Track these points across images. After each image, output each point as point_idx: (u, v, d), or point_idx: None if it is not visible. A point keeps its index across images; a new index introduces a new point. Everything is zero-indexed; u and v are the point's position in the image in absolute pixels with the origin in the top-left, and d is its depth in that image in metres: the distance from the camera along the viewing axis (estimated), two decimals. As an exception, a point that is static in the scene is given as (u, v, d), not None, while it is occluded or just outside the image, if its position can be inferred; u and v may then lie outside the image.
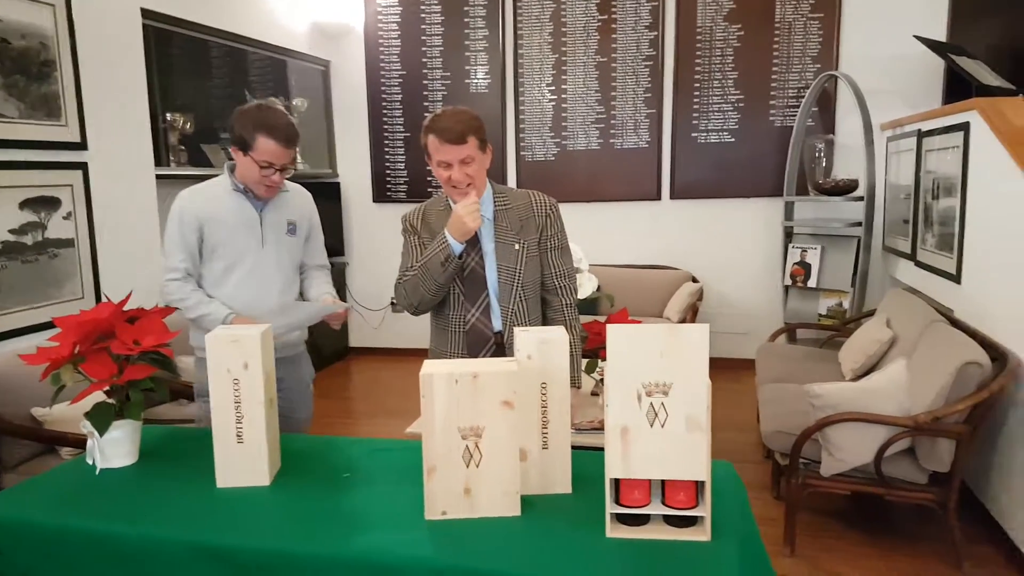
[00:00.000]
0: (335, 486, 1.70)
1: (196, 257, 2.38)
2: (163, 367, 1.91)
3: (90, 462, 1.83)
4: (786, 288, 5.18)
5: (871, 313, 4.27)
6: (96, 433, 1.79)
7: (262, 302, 2.39)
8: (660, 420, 1.36)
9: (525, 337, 1.58)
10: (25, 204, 3.29)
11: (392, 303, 6.02)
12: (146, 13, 4.05)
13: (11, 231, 3.22)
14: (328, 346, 5.85)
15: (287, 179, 2.48)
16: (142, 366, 1.86)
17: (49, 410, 2.90)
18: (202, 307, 2.35)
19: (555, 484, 1.59)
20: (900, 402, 2.69)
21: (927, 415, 2.59)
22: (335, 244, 5.97)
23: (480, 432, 1.46)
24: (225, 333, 1.69)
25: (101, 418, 1.80)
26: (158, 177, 4.10)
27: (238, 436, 1.69)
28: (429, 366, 1.48)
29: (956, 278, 3.45)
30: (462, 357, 2.23)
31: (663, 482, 1.41)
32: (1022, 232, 2.86)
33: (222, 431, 1.69)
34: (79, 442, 2.67)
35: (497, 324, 2.23)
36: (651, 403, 1.36)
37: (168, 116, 4.40)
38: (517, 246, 2.21)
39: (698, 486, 1.40)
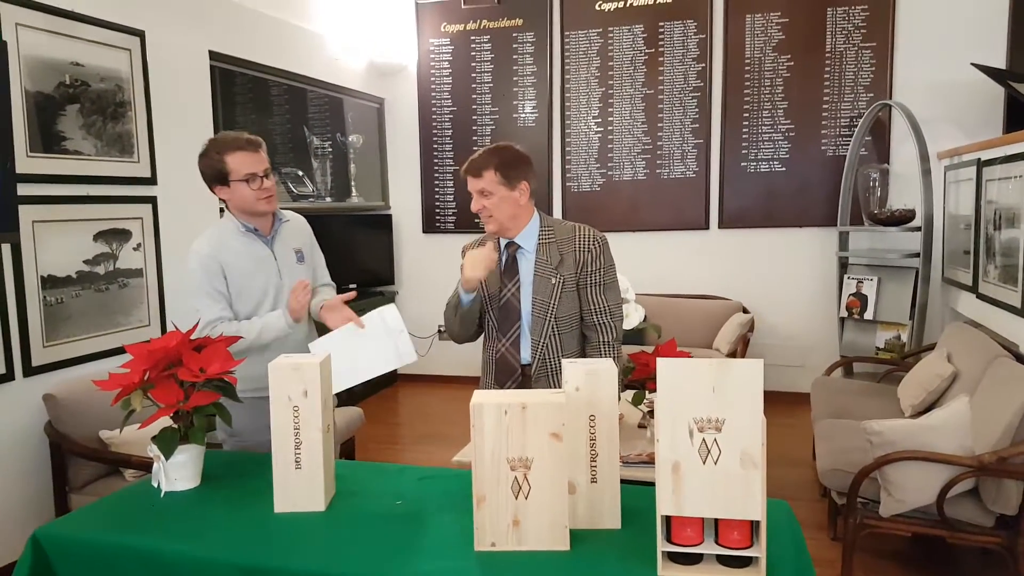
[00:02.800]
0: (387, 513, 1.73)
1: (230, 300, 2.39)
2: (226, 394, 1.98)
3: (155, 484, 1.89)
4: (842, 320, 5.08)
5: (931, 347, 4.16)
6: (162, 456, 1.86)
7: (292, 335, 2.42)
8: (713, 457, 1.36)
9: (572, 368, 1.59)
10: (99, 236, 3.45)
11: (440, 330, 6.09)
12: (213, 55, 4.23)
13: (85, 261, 3.38)
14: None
15: (286, 210, 2.57)
16: (206, 393, 1.92)
17: (116, 433, 3.01)
18: (255, 323, 2.36)
19: (604, 519, 1.59)
20: (963, 441, 2.60)
21: (992, 455, 2.50)
22: (386, 273, 6.08)
23: (528, 464, 1.47)
24: (287, 361, 1.74)
25: (167, 442, 1.87)
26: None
27: (296, 462, 1.74)
28: (480, 395, 1.50)
29: (1021, 311, 3.34)
30: (491, 387, 2.27)
31: (716, 520, 1.40)
32: (1089, 264, 2.77)
33: (281, 457, 1.73)
34: (142, 464, 2.76)
35: (526, 356, 2.26)
36: (703, 439, 1.36)
37: (230, 152, 4.56)
38: (554, 280, 2.23)
39: (753, 525, 1.38)
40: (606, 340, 2.29)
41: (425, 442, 4.79)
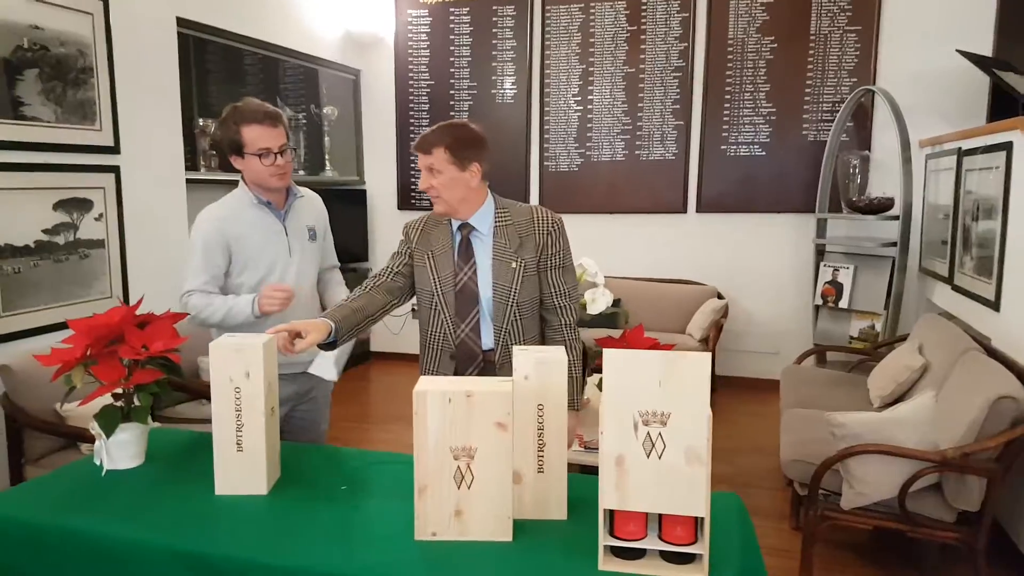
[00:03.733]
0: (331, 499, 1.69)
1: (220, 280, 2.35)
2: (170, 372, 1.92)
3: (97, 462, 1.85)
4: (816, 308, 5.06)
5: (904, 337, 4.15)
6: (103, 435, 1.81)
7: (293, 310, 2.36)
8: (657, 451, 1.32)
9: (523, 357, 1.55)
10: (58, 205, 3.36)
11: (413, 309, 6.02)
12: (181, 21, 4.12)
13: (44, 231, 3.29)
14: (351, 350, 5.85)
15: (302, 187, 2.50)
16: (149, 371, 1.87)
17: (73, 406, 2.94)
18: (226, 303, 2.30)
19: (549, 509, 1.55)
20: (926, 435, 2.58)
21: (956, 450, 2.47)
22: (360, 250, 6.01)
23: (472, 453, 1.43)
24: (228, 342, 1.69)
25: (108, 420, 1.82)
26: (189, 181, 4.16)
27: (238, 444, 1.69)
28: (424, 383, 1.46)
29: (995, 305, 3.32)
30: (445, 374, 2.20)
31: (660, 515, 1.36)
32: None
33: (222, 439, 1.69)
34: (91, 436, 2.70)
35: (487, 342, 2.19)
36: (648, 432, 1.32)
37: (200, 122, 4.46)
38: (514, 264, 2.17)
39: (697, 521, 1.35)
40: (567, 323, 2.24)
41: (394, 422, 4.75)
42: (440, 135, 2.13)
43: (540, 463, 1.55)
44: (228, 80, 4.82)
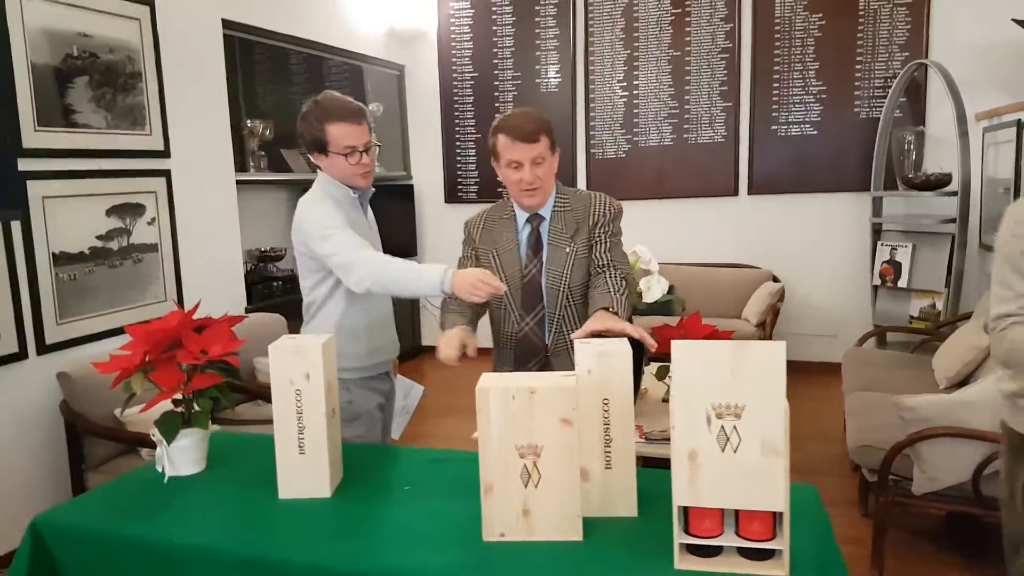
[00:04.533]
0: (395, 500, 1.67)
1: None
2: (229, 375, 1.93)
3: (159, 469, 1.86)
4: (875, 288, 4.92)
5: (967, 316, 4.00)
6: (164, 441, 1.82)
7: (388, 302, 2.39)
8: (732, 445, 1.27)
9: (584, 350, 1.50)
10: (112, 211, 3.42)
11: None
12: (227, 23, 4.16)
13: (98, 237, 3.35)
14: (401, 344, 5.88)
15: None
16: (208, 375, 1.87)
17: (134, 411, 2.99)
18: (410, 268, 2.05)
19: (618, 507, 1.51)
20: (999, 416, 2.47)
21: (1031, 431, 2.37)
22: (408, 243, 6.02)
23: (538, 451, 1.40)
24: (288, 343, 1.68)
25: (169, 427, 1.82)
26: (238, 183, 4.21)
27: (300, 447, 1.68)
28: (487, 379, 1.43)
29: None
30: (509, 370, 2.16)
31: (737, 511, 1.32)
32: None
33: (284, 442, 1.68)
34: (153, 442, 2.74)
35: (547, 335, 2.15)
36: (722, 426, 1.27)
37: (248, 123, 4.50)
38: (568, 248, 2.12)
39: (776, 515, 1.30)
40: (615, 273, 2.09)
41: (449, 415, 4.75)
42: (540, 121, 2.05)
43: (607, 459, 1.51)
44: (274, 80, 4.86)
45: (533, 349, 2.14)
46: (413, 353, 6.16)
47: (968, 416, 2.49)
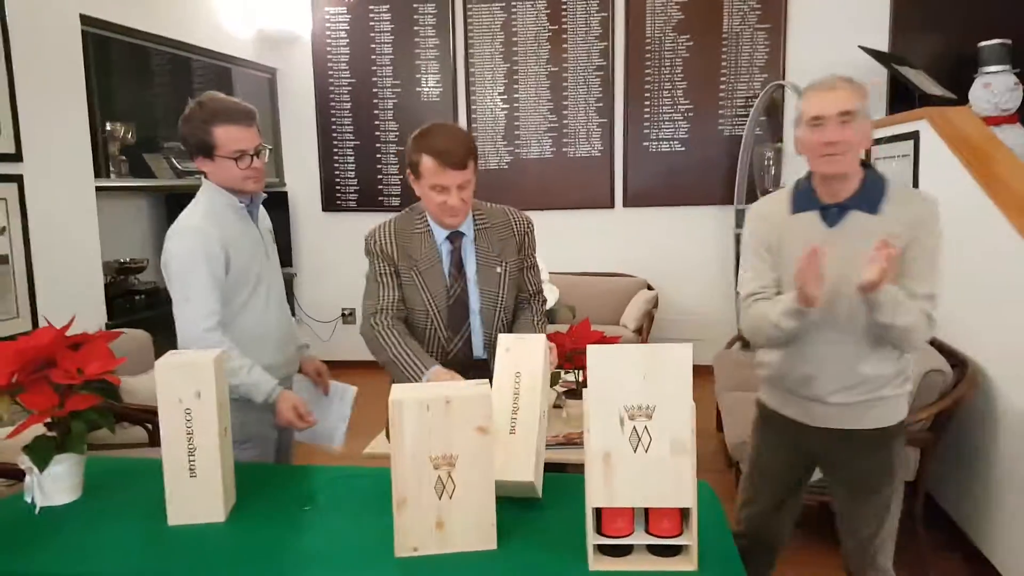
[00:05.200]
0: (295, 520, 1.60)
1: (224, 295, 2.07)
2: (108, 396, 1.79)
3: (29, 500, 1.69)
4: (739, 295, 5.20)
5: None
6: (35, 469, 1.66)
7: (284, 317, 2.24)
8: (644, 444, 1.31)
9: (506, 336, 1.77)
10: (-47, 219, 3.10)
11: (344, 313, 5.90)
12: (85, 19, 3.87)
13: (-62, 248, 3.02)
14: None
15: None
16: (85, 396, 1.73)
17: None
18: (252, 375, 2.01)
19: (518, 470, 1.55)
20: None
21: (892, 424, 2.59)
22: (282, 255, 5.75)
23: (453, 461, 1.38)
24: (176, 360, 1.58)
25: (41, 453, 1.67)
26: (98, 189, 3.92)
27: (191, 470, 1.58)
28: (399, 391, 1.40)
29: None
30: None
31: (646, 510, 1.36)
32: (975, 238, 2.90)
33: (173, 465, 1.58)
34: (16, 472, 2.49)
35: (479, 351, 2.12)
36: (634, 427, 1.31)
37: (109, 126, 4.22)
38: (499, 268, 2.10)
39: (683, 512, 1.35)
40: (538, 319, 2.20)
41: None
42: (468, 144, 1.97)
43: (513, 424, 1.61)
44: (137, 81, 4.59)
45: (466, 367, 2.04)
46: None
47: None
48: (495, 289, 2.10)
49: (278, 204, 5.79)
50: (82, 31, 3.84)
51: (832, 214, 1.90)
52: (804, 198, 1.96)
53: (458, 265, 2.08)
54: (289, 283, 5.88)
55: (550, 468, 2.08)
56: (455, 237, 2.08)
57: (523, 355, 1.71)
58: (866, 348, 1.89)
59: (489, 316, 2.10)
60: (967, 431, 2.91)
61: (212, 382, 1.57)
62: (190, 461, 1.58)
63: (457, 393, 1.39)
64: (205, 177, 2.13)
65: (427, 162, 1.95)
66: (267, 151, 2.15)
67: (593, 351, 1.30)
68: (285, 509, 1.66)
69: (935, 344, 2.92)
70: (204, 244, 2.00)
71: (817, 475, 2.23)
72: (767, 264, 1.99)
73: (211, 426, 1.58)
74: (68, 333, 1.78)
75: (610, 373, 1.30)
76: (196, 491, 1.59)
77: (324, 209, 5.90)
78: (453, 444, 1.38)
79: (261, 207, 2.28)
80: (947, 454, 3.02)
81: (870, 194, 1.89)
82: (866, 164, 1.94)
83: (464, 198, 1.99)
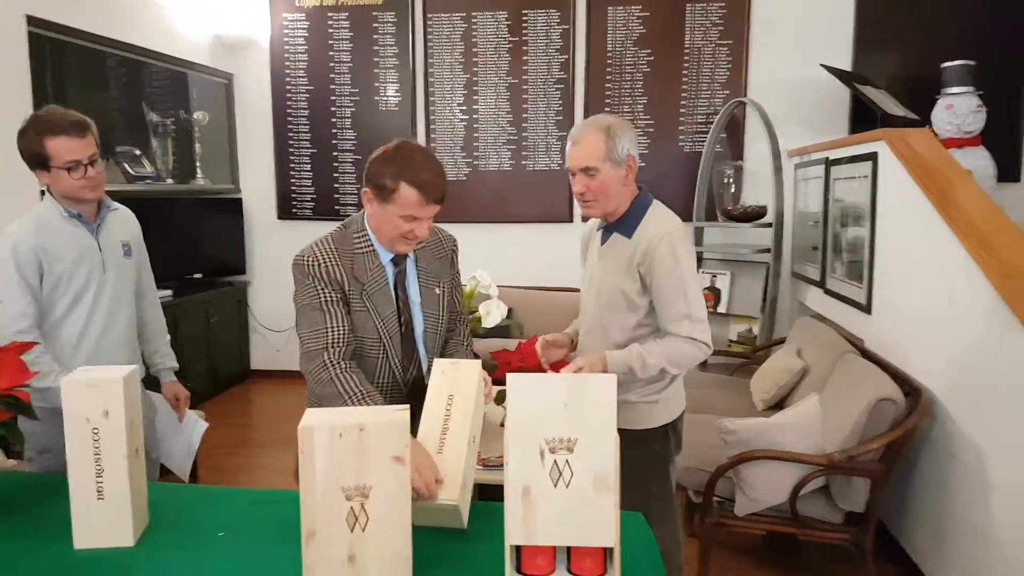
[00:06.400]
0: (207, 547, 1.52)
1: (40, 300, 2.18)
2: (20, 411, 1.70)
3: (-77, 523, 1.60)
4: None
5: (781, 340, 4.30)
6: (-66, 490, 1.57)
7: (112, 332, 2.29)
8: (564, 479, 1.25)
9: (440, 360, 1.79)
10: None
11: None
12: (33, 21, 3.75)
13: None
14: (226, 368, 5.55)
15: (114, 200, 2.39)
16: (-9, 412, 1.64)
17: None
18: (60, 381, 2.01)
19: (443, 491, 1.52)
20: (814, 439, 2.66)
21: (841, 453, 2.56)
22: (236, 261, 5.69)
23: (367, 492, 1.31)
24: (83, 377, 1.49)
25: (-62, 473, 1.58)
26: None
27: (98, 492, 1.50)
28: (311, 416, 1.32)
29: (867, 308, 3.48)
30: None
31: (568, 547, 1.30)
32: (931, 263, 2.88)
33: (80, 486, 1.49)
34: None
35: (427, 378, 1.96)
36: (555, 460, 1.25)
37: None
38: (437, 290, 2.02)
39: (607, 551, 1.29)
40: (467, 342, 2.16)
41: (278, 446, 4.50)
42: (444, 174, 1.88)
43: (441, 444, 1.60)
44: (89, 85, 4.45)
45: (421, 396, 1.84)
46: (242, 376, 5.81)
47: (785, 438, 2.65)
48: (436, 311, 2.02)
49: (232, 210, 5.68)
50: (28, 32, 3.73)
51: (605, 235, 2.21)
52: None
53: (403, 289, 1.97)
54: (243, 291, 5.76)
55: (493, 491, 2.03)
56: (399, 259, 1.96)
57: (457, 380, 1.71)
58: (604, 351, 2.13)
59: (432, 340, 2.02)
60: (921, 461, 2.88)
61: (121, 401, 1.48)
62: (97, 483, 1.50)
63: (372, 419, 1.31)
64: (47, 189, 2.23)
65: (408, 193, 1.79)
66: (100, 163, 2.22)
67: (513, 379, 1.24)
68: (199, 534, 1.57)
69: (888, 371, 2.89)
70: (14, 250, 2.11)
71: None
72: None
73: (119, 447, 1.50)
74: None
75: (531, 402, 1.24)
76: (104, 514, 1.50)
77: (279, 217, 5.78)
78: (367, 474, 1.31)
79: (118, 218, 2.38)
80: (900, 485, 2.99)
81: (629, 219, 2.14)
82: (640, 187, 2.19)
83: (429, 228, 1.90)
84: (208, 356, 5.25)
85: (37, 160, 2.14)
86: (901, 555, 2.98)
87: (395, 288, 1.95)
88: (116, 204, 2.40)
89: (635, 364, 2.05)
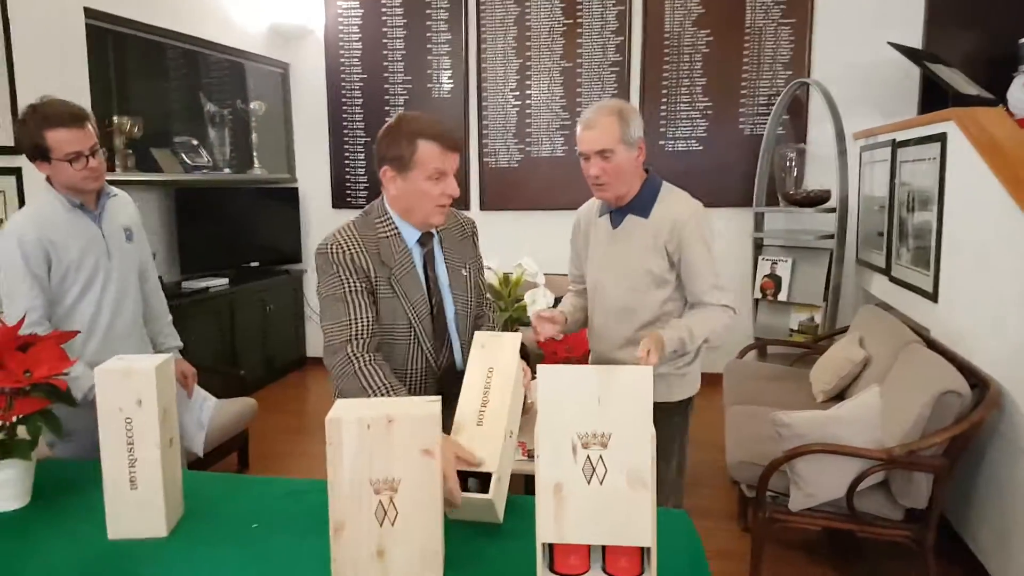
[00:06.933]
0: (240, 538, 1.51)
1: (49, 291, 2.21)
2: (58, 399, 1.72)
3: (-27, 507, 1.63)
4: (756, 301, 5.04)
5: (844, 329, 4.14)
6: (-20, 476, 1.60)
7: (121, 317, 2.34)
8: (598, 476, 1.19)
9: (482, 332, 1.77)
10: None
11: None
12: (91, 13, 3.84)
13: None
14: (282, 356, 5.63)
15: (112, 185, 2.42)
16: (34, 399, 1.66)
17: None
18: (74, 369, 2.03)
19: (482, 461, 1.50)
20: (872, 433, 2.53)
21: (902, 448, 2.43)
22: (292, 250, 5.76)
23: (395, 486, 1.27)
24: (116, 366, 1.49)
25: (-14, 458, 1.61)
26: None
27: (131, 482, 1.50)
28: (339, 408, 1.29)
29: (933, 296, 3.31)
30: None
31: (603, 545, 1.24)
32: (1002, 249, 2.72)
33: (113, 477, 1.49)
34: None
35: (459, 362, 1.95)
36: (587, 456, 1.19)
37: (116, 119, 4.18)
38: (464, 271, 2.00)
39: (643, 551, 1.23)
40: (493, 323, 2.13)
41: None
42: (452, 127, 2.00)
43: (480, 416, 1.58)
44: (149, 75, 4.56)
45: (454, 381, 1.80)
46: (298, 363, 5.90)
47: (843, 432, 2.53)
48: (465, 293, 1.99)
49: (288, 200, 5.75)
50: (86, 24, 3.81)
51: (616, 218, 2.24)
52: (605, 203, 2.27)
53: (431, 269, 1.93)
54: (299, 280, 5.83)
55: (529, 483, 1.99)
56: (426, 239, 1.92)
57: (497, 352, 1.69)
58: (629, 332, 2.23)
59: (463, 323, 1.98)
60: (988, 456, 2.72)
61: (154, 390, 1.48)
62: (131, 473, 1.50)
63: (401, 412, 1.27)
64: (47, 179, 2.25)
65: (427, 148, 1.78)
66: (101, 153, 2.24)
67: (543, 371, 1.18)
68: (232, 525, 1.57)
69: (954, 362, 2.73)
70: (21, 244, 2.14)
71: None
72: (577, 258, 2.46)
73: (153, 436, 1.49)
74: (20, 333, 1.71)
75: (562, 396, 1.18)
76: (137, 505, 1.50)
77: (334, 206, 5.84)
78: (395, 467, 1.27)
79: (118, 204, 2.41)
80: (965, 480, 2.84)
81: (643, 200, 2.20)
82: (647, 170, 2.25)
83: (456, 186, 1.87)
84: (264, 344, 5.34)
85: (38, 152, 2.16)
86: (965, 553, 2.83)
87: (424, 270, 1.92)
88: (115, 190, 2.42)
89: (685, 335, 2.09)
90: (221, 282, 4.83)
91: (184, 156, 4.77)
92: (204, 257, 4.90)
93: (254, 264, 5.42)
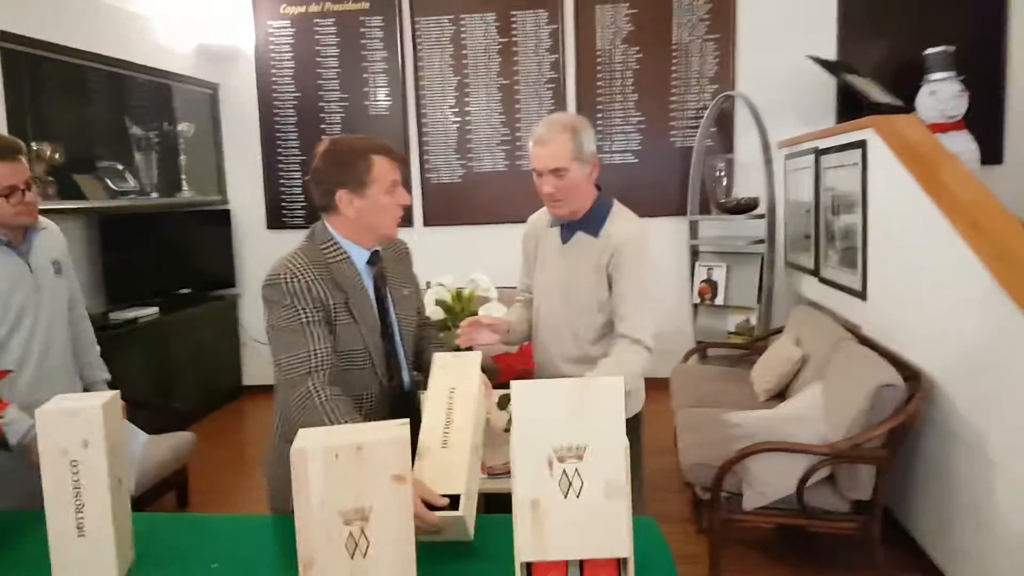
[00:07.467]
0: (201, 580, 1.45)
1: None
2: (-5, 443, 1.62)
3: None
4: (695, 306, 5.16)
5: (779, 330, 4.26)
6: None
7: (52, 353, 2.22)
8: (575, 489, 1.18)
9: (442, 354, 1.80)
10: None
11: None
12: (5, 36, 3.68)
13: None
14: (219, 385, 5.46)
15: (43, 218, 2.29)
16: (-35, 444, 1.56)
17: None
18: (8, 413, 1.96)
19: (448, 484, 1.49)
20: (818, 428, 2.61)
21: (846, 441, 2.52)
22: (225, 274, 5.60)
23: (366, 515, 1.24)
24: (59, 406, 1.41)
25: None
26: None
27: (79, 528, 1.41)
28: (303, 437, 1.25)
29: (862, 295, 3.45)
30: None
31: (581, 560, 1.23)
32: (924, 247, 2.86)
33: (59, 525, 1.40)
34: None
35: (408, 382, 1.94)
36: (564, 470, 1.18)
37: (35, 145, 4.00)
38: (406, 291, 1.98)
39: (620, 561, 1.22)
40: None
41: (275, 459, 4.42)
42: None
43: (445, 438, 1.58)
44: (69, 99, 4.37)
45: (402, 404, 1.87)
46: (235, 393, 5.72)
47: (791, 429, 2.61)
48: (410, 313, 1.98)
49: (220, 222, 5.60)
50: (1, 48, 3.65)
51: (566, 233, 2.18)
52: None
53: (379, 291, 1.89)
54: (233, 304, 5.68)
55: (499, 500, 1.97)
56: (375, 259, 1.89)
57: (458, 372, 1.72)
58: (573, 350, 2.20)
59: (408, 343, 1.96)
60: (923, 445, 2.84)
61: (101, 429, 1.40)
62: (78, 519, 1.41)
63: (370, 437, 1.24)
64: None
65: (380, 162, 1.78)
66: (36, 187, 2.16)
67: (517, 387, 1.18)
68: (190, 568, 1.50)
69: (886, 356, 2.85)
70: None
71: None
72: (527, 264, 2.42)
73: (101, 479, 1.40)
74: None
75: (536, 411, 1.18)
76: (85, 552, 1.41)
77: (269, 227, 5.71)
78: (366, 496, 1.23)
79: (47, 237, 2.28)
80: (905, 471, 2.95)
81: (593, 219, 2.14)
82: (598, 187, 2.18)
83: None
84: (199, 373, 5.16)
85: None
86: (908, 540, 2.95)
87: (375, 292, 1.88)
88: (44, 221, 2.30)
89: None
90: (151, 311, 4.65)
91: (109, 181, 4.59)
92: (132, 286, 4.71)
93: (185, 291, 5.25)
